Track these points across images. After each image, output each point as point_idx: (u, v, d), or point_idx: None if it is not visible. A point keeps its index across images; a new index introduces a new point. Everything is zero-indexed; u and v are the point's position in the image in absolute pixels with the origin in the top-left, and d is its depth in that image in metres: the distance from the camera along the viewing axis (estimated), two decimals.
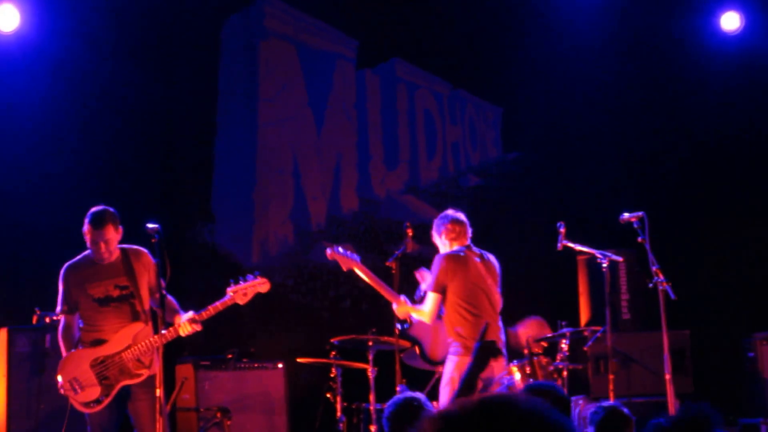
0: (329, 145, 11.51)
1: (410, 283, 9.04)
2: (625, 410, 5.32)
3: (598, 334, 8.75)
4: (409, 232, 8.17)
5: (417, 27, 11.85)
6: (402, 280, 8.11)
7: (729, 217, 11.71)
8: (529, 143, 12.35)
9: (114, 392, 6.99)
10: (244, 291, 7.27)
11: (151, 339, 7.01)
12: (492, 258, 8.04)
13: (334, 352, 8.53)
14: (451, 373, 7.59)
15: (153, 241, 6.83)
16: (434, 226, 8.04)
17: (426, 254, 11.56)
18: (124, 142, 10.03)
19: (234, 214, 10.91)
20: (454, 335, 7.70)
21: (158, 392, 6.72)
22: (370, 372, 8.29)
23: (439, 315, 7.85)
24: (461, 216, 7.97)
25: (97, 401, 6.97)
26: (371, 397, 8.23)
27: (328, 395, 8.35)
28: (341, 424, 8.47)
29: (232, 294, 7.21)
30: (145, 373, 7.05)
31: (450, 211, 7.98)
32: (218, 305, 7.11)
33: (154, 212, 7.58)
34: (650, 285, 7.91)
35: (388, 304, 7.95)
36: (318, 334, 9.89)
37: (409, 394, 5.54)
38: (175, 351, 8.52)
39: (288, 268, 10.50)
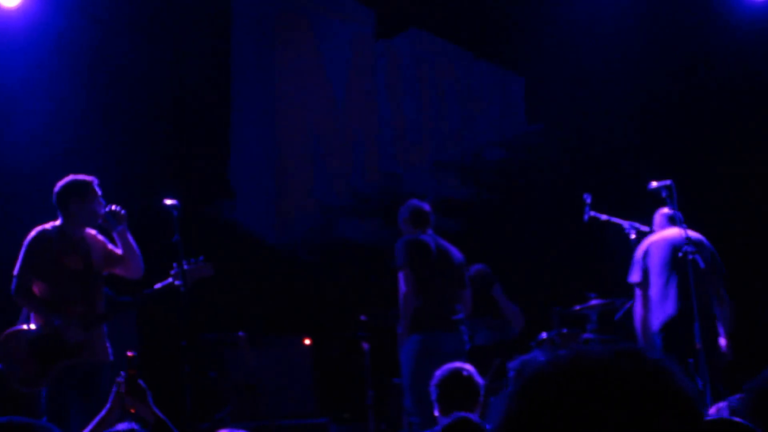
0: (349, 118, 11.39)
1: None
2: None
3: (628, 306, 8.63)
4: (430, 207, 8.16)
5: None
6: None
7: (756, 185, 11.56)
8: (553, 114, 12.21)
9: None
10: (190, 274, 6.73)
11: None
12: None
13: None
14: None
15: (171, 217, 6.73)
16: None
17: (450, 228, 11.50)
18: (137, 119, 9.95)
19: (254, 191, 10.81)
20: None
21: None
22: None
23: None
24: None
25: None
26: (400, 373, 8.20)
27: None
28: (370, 399, 8.45)
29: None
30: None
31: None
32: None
33: (171, 188, 7.49)
34: (680, 255, 7.76)
35: None
36: (344, 310, 9.84)
37: (459, 364, 5.84)
38: (195, 328, 8.43)
39: (312, 244, 10.41)
